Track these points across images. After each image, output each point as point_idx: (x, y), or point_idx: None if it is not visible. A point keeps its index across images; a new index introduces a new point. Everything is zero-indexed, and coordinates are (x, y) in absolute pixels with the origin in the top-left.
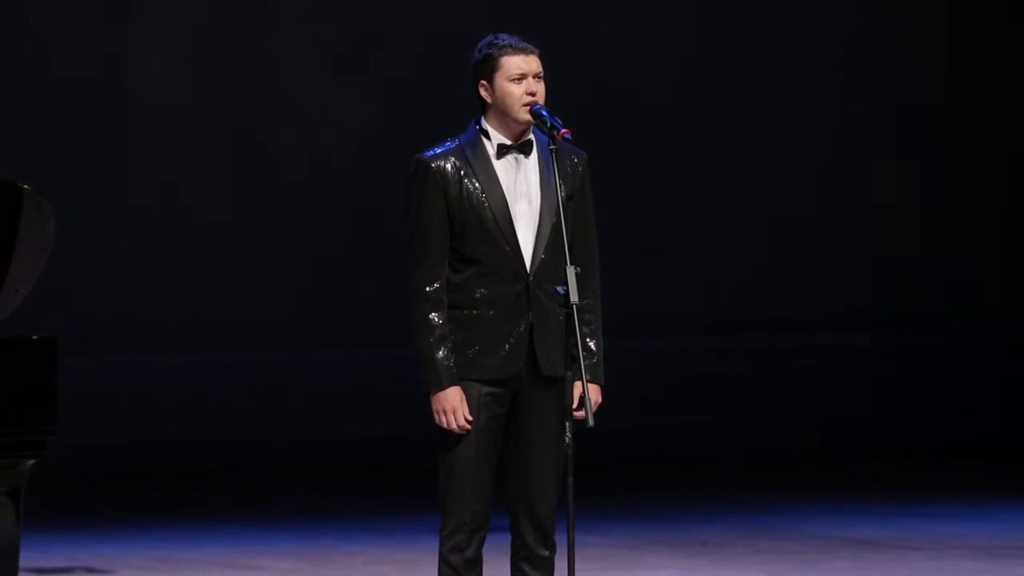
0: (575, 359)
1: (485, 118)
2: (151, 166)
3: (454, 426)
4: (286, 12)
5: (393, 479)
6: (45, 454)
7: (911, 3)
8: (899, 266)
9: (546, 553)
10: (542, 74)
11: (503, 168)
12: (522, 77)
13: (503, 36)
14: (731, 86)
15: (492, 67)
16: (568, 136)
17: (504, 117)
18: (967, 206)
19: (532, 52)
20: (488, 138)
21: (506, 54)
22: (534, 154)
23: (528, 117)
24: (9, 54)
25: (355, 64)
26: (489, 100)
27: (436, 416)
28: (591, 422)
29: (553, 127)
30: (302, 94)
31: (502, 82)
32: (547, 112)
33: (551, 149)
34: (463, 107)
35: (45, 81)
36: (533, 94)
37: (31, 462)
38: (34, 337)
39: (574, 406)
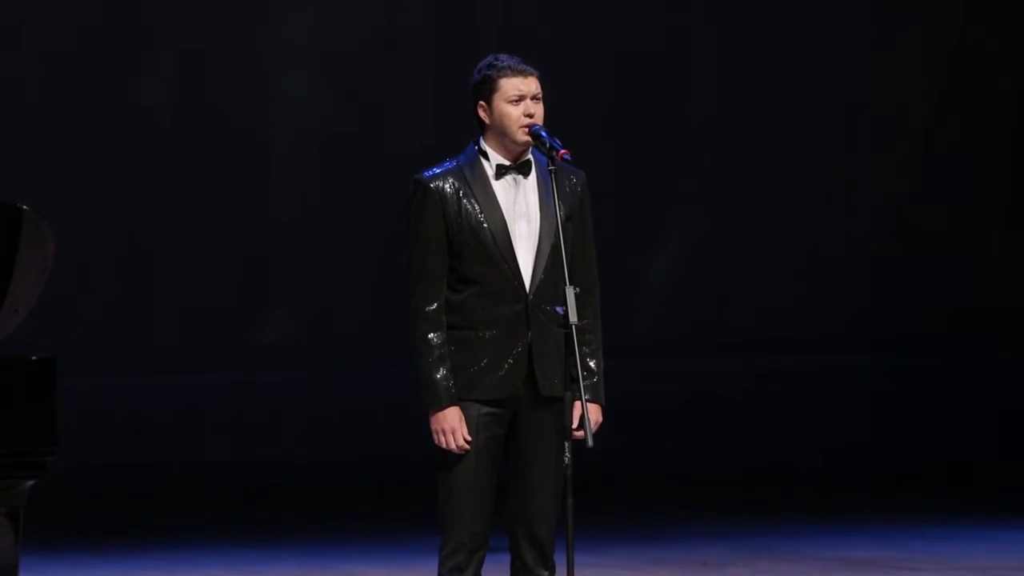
0: (575, 379)
1: (484, 139)
2: (154, 190)
3: (453, 446)
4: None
5: (393, 499)
6: (45, 475)
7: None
8: (900, 287)
9: (545, 574)
10: (541, 96)
11: (502, 188)
12: (520, 99)
13: (503, 57)
14: (729, 102)
15: (491, 88)
16: (567, 157)
17: (502, 138)
18: (966, 226)
19: (531, 74)
20: (487, 158)
21: (505, 76)
22: (533, 174)
23: (526, 138)
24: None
25: (353, 88)
26: (487, 121)
27: (435, 436)
28: (590, 442)
29: (552, 148)
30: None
31: (500, 103)
32: (546, 133)
33: (551, 170)
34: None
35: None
36: (531, 115)
37: (31, 483)
38: (34, 358)
39: (574, 426)
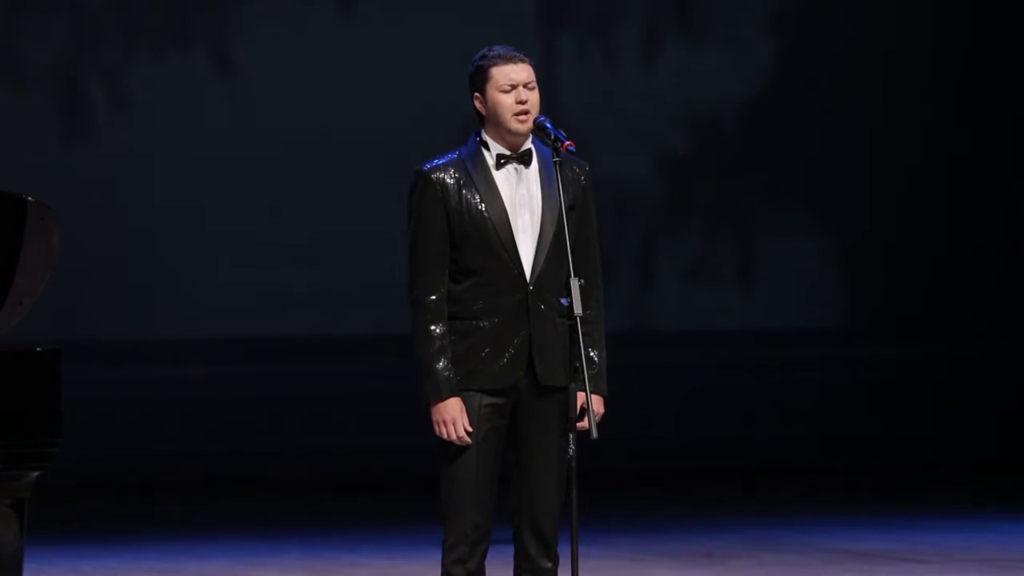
0: (578, 370)
1: (484, 130)
2: (149, 181)
3: (454, 437)
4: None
5: (397, 491)
6: (49, 466)
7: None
8: (901, 278)
9: (549, 565)
10: (534, 83)
11: (504, 179)
12: (513, 87)
13: (495, 48)
14: (731, 95)
15: (484, 78)
16: (572, 148)
17: (499, 127)
18: (967, 218)
19: (523, 61)
20: (488, 149)
21: (496, 64)
22: (534, 164)
23: (519, 126)
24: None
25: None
26: (484, 111)
27: (436, 427)
28: (595, 433)
29: (557, 139)
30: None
31: (493, 92)
32: (551, 124)
33: (555, 161)
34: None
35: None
36: (524, 102)
37: (35, 474)
38: (38, 349)
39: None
